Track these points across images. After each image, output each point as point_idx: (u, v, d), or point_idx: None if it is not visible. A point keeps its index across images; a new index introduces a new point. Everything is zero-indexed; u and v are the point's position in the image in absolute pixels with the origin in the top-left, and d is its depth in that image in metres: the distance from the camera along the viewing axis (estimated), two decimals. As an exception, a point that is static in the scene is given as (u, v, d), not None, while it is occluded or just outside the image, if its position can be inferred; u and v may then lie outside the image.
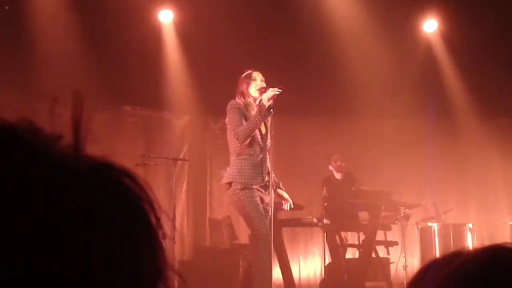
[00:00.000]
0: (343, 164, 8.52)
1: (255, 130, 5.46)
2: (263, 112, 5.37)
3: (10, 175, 0.52)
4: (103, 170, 0.57)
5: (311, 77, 9.59)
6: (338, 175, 8.52)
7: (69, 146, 0.57)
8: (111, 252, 0.54)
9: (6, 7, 8.04)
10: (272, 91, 5.42)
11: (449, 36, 9.65)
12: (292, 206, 5.82)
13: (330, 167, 8.56)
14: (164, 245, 0.60)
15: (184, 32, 9.24)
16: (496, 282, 0.72)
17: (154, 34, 9.23)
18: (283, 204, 5.74)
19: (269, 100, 5.41)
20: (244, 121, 5.45)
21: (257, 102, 5.57)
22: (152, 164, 8.38)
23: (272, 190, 5.46)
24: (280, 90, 5.46)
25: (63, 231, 0.52)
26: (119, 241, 0.54)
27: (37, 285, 0.50)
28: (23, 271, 0.50)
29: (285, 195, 5.76)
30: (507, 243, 0.77)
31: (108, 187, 0.56)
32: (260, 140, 5.55)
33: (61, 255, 0.51)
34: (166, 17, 9.25)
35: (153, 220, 0.58)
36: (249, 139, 5.44)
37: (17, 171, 0.53)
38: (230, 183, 5.45)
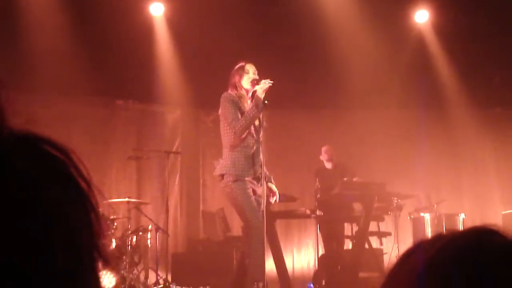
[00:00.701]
0: (332, 153, 8.55)
1: (252, 123, 5.48)
2: (260, 105, 5.39)
3: None
4: (28, 141, 0.56)
5: (303, 69, 9.60)
6: (328, 165, 8.55)
7: None
8: (45, 223, 0.52)
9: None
10: (267, 83, 5.43)
11: (441, 27, 9.65)
12: (278, 201, 5.85)
13: (321, 157, 8.60)
14: (98, 210, 0.58)
15: (176, 25, 9.22)
16: (479, 260, 0.74)
17: (145, 28, 9.21)
18: (271, 197, 5.76)
19: (263, 92, 5.43)
20: (238, 113, 5.46)
21: (249, 94, 5.58)
22: (145, 157, 8.40)
23: (264, 182, 5.48)
24: (272, 82, 5.48)
25: None
26: (51, 211, 0.53)
27: None
28: None
29: (274, 188, 5.78)
30: (492, 224, 0.79)
31: (34, 157, 0.55)
32: (254, 132, 5.56)
33: None
34: (157, 10, 9.22)
35: (84, 185, 0.57)
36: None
37: None
38: (222, 175, 5.47)
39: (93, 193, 0.58)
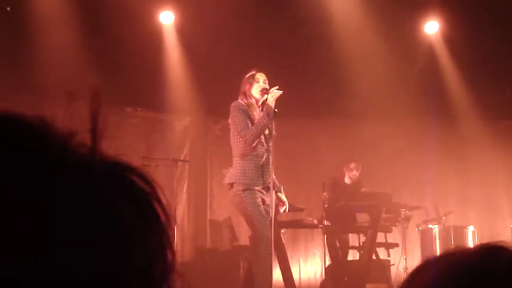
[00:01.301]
0: (358, 174, 8.52)
1: (263, 132, 5.47)
2: (271, 113, 5.38)
3: (22, 166, 0.52)
4: (117, 169, 0.57)
5: (313, 79, 9.59)
6: (348, 181, 8.52)
7: (83, 144, 0.57)
8: (124, 253, 0.53)
9: (8, 8, 8.04)
10: (278, 92, 5.43)
11: (451, 38, 9.64)
12: (287, 211, 5.84)
13: (346, 171, 8.52)
14: (173, 245, 0.60)
15: (185, 33, 9.24)
16: (484, 279, 0.73)
17: (155, 36, 9.24)
18: (280, 207, 5.75)
19: (274, 101, 5.43)
20: (248, 122, 5.45)
21: (259, 103, 5.58)
22: (153, 165, 8.38)
23: (273, 192, 5.47)
24: (282, 91, 5.48)
25: (73, 231, 0.51)
26: (132, 241, 0.54)
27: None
28: (23, 272, 0.49)
29: (284, 198, 5.77)
30: (499, 241, 0.78)
31: (122, 187, 0.56)
32: (264, 141, 5.56)
33: (70, 257, 0.51)
34: (167, 18, 9.25)
35: (164, 219, 0.59)
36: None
37: (30, 162, 0.52)
38: (232, 184, 5.46)
39: (172, 228, 0.60)
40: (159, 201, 0.59)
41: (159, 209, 0.58)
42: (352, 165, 8.52)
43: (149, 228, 0.57)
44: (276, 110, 5.42)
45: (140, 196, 0.57)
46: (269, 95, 5.44)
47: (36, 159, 0.53)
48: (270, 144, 5.59)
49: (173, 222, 0.60)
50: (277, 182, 5.71)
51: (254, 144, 5.45)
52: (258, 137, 5.45)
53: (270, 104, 5.41)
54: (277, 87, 5.48)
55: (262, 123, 5.41)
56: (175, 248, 0.60)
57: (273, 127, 5.59)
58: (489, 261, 0.75)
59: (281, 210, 5.78)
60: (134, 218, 0.55)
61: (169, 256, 0.59)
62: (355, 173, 8.50)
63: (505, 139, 10.51)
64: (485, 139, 10.28)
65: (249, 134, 5.40)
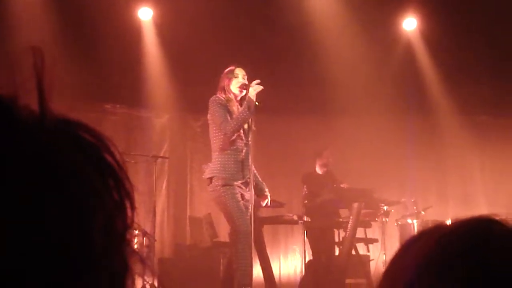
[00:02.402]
0: (332, 161, 8.47)
1: (244, 125, 5.47)
2: (252, 106, 5.38)
3: None
4: (67, 125, 0.57)
5: (292, 75, 9.61)
6: (320, 170, 8.48)
7: (30, 105, 0.56)
8: (84, 210, 0.53)
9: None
10: (258, 86, 5.44)
11: (429, 34, 9.72)
12: (268, 204, 5.85)
13: (318, 160, 8.44)
14: (133, 199, 0.59)
15: (164, 29, 9.21)
16: (482, 248, 0.74)
17: (133, 32, 9.19)
18: (262, 200, 5.76)
19: (255, 94, 5.43)
20: (228, 115, 5.45)
21: (238, 98, 5.58)
22: (132, 161, 8.35)
23: (253, 187, 5.47)
24: (261, 87, 5.49)
25: (27, 192, 0.50)
26: (91, 197, 0.54)
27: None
28: None
29: (267, 191, 5.79)
30: (493, 214, 0.79)
31: (75, 142, 0.55)
32: (243, 136, 5.56)
33: (32, 217, 0.50)
34: (145, 14, 9.21)
35: (120, 172, 0.58)
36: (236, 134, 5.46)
37: None
38: (211, 179, 5.45)
39: (128, 180, 0.58)
40: (112, 155, 0.57)
41: (113, 163, 0.57)
42: (326, 152, 8.46)
43: (105, 183, 0.56)
44: (257, 103, 5.42)
45: (92, 151, 0.56)
46: (251, 88, 5.45)
47: None
48: (250, 139, 5.59)
49: (127, 175, 0.58)
50: (259, 179, 5.74)
51: (233, 137, 5.45)
52: (239, 129, 5.45)
53: (251, 97, 5.42)
54: (258, 80, 5.49)
55: (242, 116, 5.41)
56: (134, 204, 0.59)
57: (252, 122, 5.60)
58: (486, 232, 0.76)
59: (263, 203, 5.79)
60: (89, 173, 0.54)
61: (128, 211, 0.58)
62: (329, 159, 8.40)
63: (482, 134, 10.63)
64: (463, 134, 10.38)
65: (229, 127, 5.40)
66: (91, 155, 0.56)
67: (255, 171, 5.60)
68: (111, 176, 0.57)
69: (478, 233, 0.75)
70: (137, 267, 0.59)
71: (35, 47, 0.57)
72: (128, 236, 0.58)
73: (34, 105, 0.56)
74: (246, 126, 5.58)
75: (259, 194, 5.77)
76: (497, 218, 0.78)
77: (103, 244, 0.53)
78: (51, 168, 0.52)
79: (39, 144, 0.52)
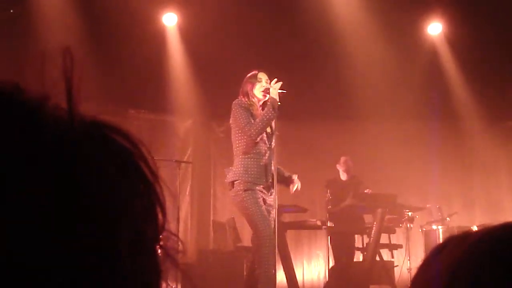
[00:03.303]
0: (351, 165, 8.51)
1: (268, 125, 5.46)
2: (276, 106, 5.37)
3: None
4: (97, 128, 0.56)
5: (317, 80, 9.58)
6: (344, 176, 8.50)
7: (60, 106, 0.55)
8: (112, 217, 0.52)
9: (11, 10, 8.06)
10: (277, 84, 5.44)
11: (454, 39, 9.64)
12: (298, 189, 5.75)
13: (338, 167, 8.54)
14: (164, 204, 0.58)
15: (188, 35, 9.25)
16: (507, 258, 0.72)
17: (158, 37, 9.24)
18: (291, 185, 5.70)
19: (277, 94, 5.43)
20: (251, 118, 5.44)
21: (260, 103, 5.57)
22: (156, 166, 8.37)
23: (275, 191, 5.45)
24: (285, 91, 5.49)
25: (54, 197, 0.50)
26: (119, 204, 0.53)
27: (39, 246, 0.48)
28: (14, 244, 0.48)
29: (294, 177, 5.73)
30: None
31: (104, 146, 0.55)
32: (266, 139, 5.54)
33: (60, 222, 0.49)
34: (170, 20, 9.26)
35: (151, 178, 0.57)
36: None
37: (5, 133, 0.51)
38: (233, 183, 5.44)
39: (160, 186, 0.57)
40: (144, 160, 0.56)
41: (145, 168, 0.56)
42: (342, 159, 8.54)
43: (136, 189, 0.55)
44: (279, 103, 5.42)
45: (123, 156, 0.55)
46: (271, 89, 5.44)
47: (11, 122, 0.51)
48: (273, 142, 5.58)
49: (160, 181, 0.58)
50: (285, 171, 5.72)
51: (257, 140, 5.43)
52: (263, 130, 5.42)
53: (273, 96, 5.41)
54: (276, 79, 5.48)
55: (267, 116, 5.38)
56: (165, 208, 0.58)
57: (275, 126, 5.59)
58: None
59: (292, 188, 5.71)
60: (120, 179, 0.53)
61: (160, 216, 0.57)
62: (349, 164, 8.48)
63: (508, 140, 10.52)
64: (488, 140, 10.28)
65: (254, 128, 5.37)
66: (121, 160, 0.55)
67: (279, 167, 5.59)
68: (141, 181, 0.56)
69: (507, 239, 0.74)
70: (170, 271, 0.59)
71: (65, 48, 0.55)
72: (159, 242, 0.57)
73: (65, 106, 0.55)
74: (269, 129, 5.57)
75: (288, 181, 5.71)
76: None
77: (131, 254, 0.53)
78: (76, 174, 0.51)
79: (67, 147, 0.52)
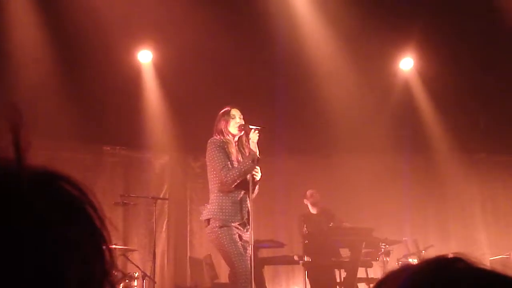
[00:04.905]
0: (318, 198, 8.53)
1: (245, 176, 5.45)
2: (255, 160, 5.41)
3: None
4: (44, 177, 0.58)
5: (290, 114, 9.65)
6: (313, 210, 8.52)
7: (8, 157, 0.56)
8: (60, 259, 0.54)
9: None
10: (255, 135, 5.47)
11: (425, 74, 9.81)
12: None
13: (305, 202, 8.58)
14: (110, 243, 0.61)
15: (163, 71, 9.29)
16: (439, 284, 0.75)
17: (133, 74, 9.27)
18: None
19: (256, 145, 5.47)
20: (228, 161, 5.44)
21: (235, 138, 5.59)
22: (132, 203, 8.33)
23: (251, 228, 5.44)
24: (260, 128, 5.52)
25: (9, 244, 0.51)
26: (66, 248, 0.55)
27: None
28: None
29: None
30: (458, 253, 0.80)
31: (50, 194, 0.57)
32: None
33: (11, 264, 0.51)
34: (145, 57, 9.30)
35: (97, 221, 0.59)
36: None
37: None
38: (208, 220, 5.42)
39: (106, 229, 0.60)
40: (90, 204, 0.59)
41: (91, 212, 0.59)
42: (308, 193, 8.57)
43: (82, 232, 0.57)
44: (259, 157, 5.46)
45: (70, 202, 0.58)
46: (250, 140, 5.48)
47: None
48: (248, 178, 5.55)
49: (106, 221, 0.60)
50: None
51: (233, 186, 5.45)
52: (239, 180, 5.42)
53: (253, 149, 5.45)
54: (255, 132, 5.51)
55: (245, 168, 5.39)
56: (112, 250, 0.60)
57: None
58: (440, 275, 0.77)
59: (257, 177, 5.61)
60: (67, 226, 0.56)
61: (107, 254, 0.59)
62: (314, 198, 8.50)
63: (481, 172, 10.64)
64: (461, 172, 10.39)
65: (230, 175, 5.37)
66: (68, 208, 0.57)
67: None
68: (89, 227, 0.59)
69: (442, 273, 0.77)
70: None
71: (13, 103, 0.57)
72: (108, 280, 0.59)
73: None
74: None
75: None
76: (461, 256, 0.79)
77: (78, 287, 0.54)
78: (21, 226, 0.53)
79: (13, 200, 0.53)
